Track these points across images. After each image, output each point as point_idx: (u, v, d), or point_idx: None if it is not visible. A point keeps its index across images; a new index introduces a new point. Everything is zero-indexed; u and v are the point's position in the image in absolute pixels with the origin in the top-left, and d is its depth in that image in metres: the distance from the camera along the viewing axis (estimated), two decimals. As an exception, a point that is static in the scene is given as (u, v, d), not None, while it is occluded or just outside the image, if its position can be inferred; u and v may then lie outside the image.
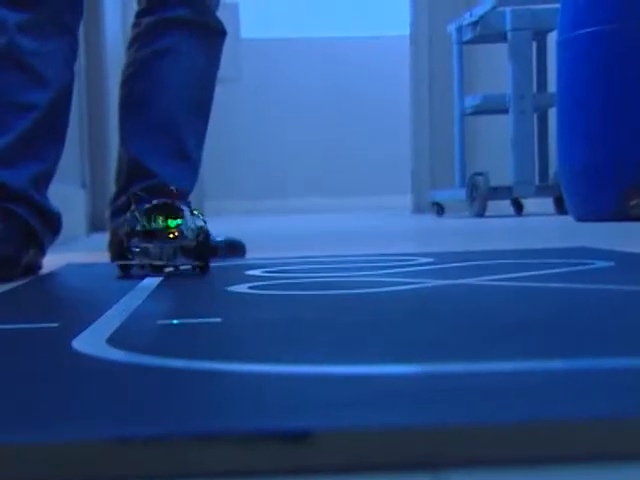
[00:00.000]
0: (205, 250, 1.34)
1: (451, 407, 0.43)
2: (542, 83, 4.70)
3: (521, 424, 0.40)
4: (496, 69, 5.34)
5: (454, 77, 4.93)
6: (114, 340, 0.70)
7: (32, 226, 1.48)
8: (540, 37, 4.64)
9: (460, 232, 2.84)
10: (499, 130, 5.13)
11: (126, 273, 1.35)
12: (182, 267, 1.37)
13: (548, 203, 4.59)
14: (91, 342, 0.69)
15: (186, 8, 1.70)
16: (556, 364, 0.54)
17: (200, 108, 1.77)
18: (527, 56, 4.40)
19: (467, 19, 4.68)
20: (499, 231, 2.85)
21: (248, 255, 1.81)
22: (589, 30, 3.21)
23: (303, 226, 4.02)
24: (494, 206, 4.79)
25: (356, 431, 0.40)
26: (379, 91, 8.43)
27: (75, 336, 0.73)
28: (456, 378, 0.50)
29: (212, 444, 0.39)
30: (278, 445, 0.39)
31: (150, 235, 1.32)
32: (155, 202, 1.35)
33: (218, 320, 0.80)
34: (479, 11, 4.52)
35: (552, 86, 4.61)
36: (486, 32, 4.56)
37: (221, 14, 1.79)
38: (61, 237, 2.40)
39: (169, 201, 1.35)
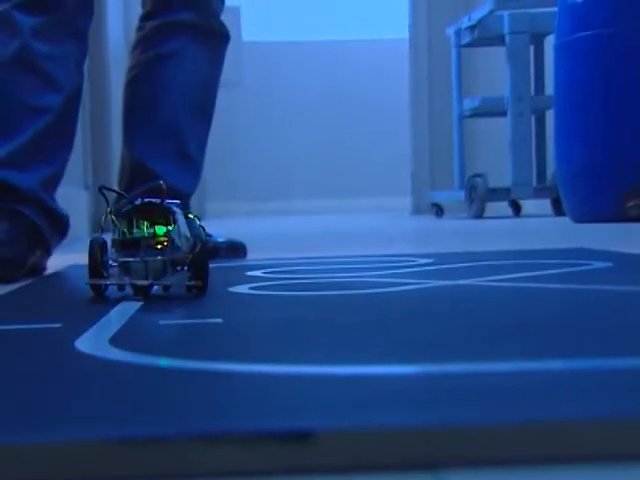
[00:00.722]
0: (203, 265, 1.02)
1: (452, 407, 0.43)
2: (539, 86, 4.70)
3: (521, 424, 0.40)
4: (494, 72, 5.35)
5: (453, 80, 4.94)
6: (116, 340, 0.69)
7: (39, 228, 1.47)
8: (537, 40, 4.64)
9: (459, 233, 2.84)
10: (497, 132, 5.13)
11: (100, 295, 1.03)
12: (174, 287, 1.05)
13: (546, 204, 4.59)
14: (94, 342, 0.69)
15: (190, 12, 1.70)
16: (556, 364, 0.53)
17: (203, 111, 1.77)
18: (525, 59, 4.40)
19: (465, 23, 4.68)
20: (498, 232, 2.85)
21: (249, 256, 1.81)
22: (586, 33, 3.21)
23: (304, 227, 4.02)
24: (492, 207, 4.79)
25: (357, 431, 0.40)
26: (379, 94, 8.43)
27: (78, 336, 0.72)
28: (456, 378, 0.50)
29: (214, 444, 0.39)
30: (279, 445, 0.39)
31: (131, 246, 1.01)
32: (138, 202, 1.03)
33: (219, 321, 0.80)
34: (477, 15, 4.52)
35: (549, 89, 4.61)
36: (484, 35, 4.56)
37: (223, 18, 1.78)
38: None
39: (156, 201, 1.04)
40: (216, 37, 1.75)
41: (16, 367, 0.60)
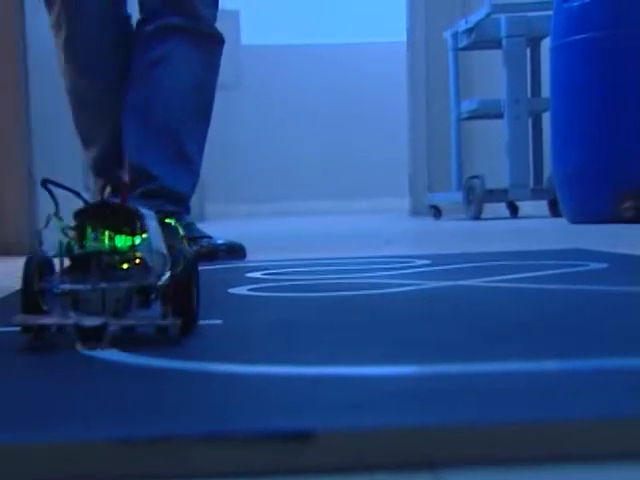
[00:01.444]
0: (185, 295, 0.69)
1: (451, 408, 0.43)
2: (536, 88, 4.70)
3: (520, 424, 0.40)
4: (491, 75, 5.34)
5: (450, 82, 4.94)
6: (116, 341, 0.69)
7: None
8: (534, 43, 4.64)
9: (457, 234, 2.84)
10: (495, 134, 5.13)
11: (38, 339, 0.68)
12: (140, 328, 0.68)
13: (543, 206, 4.59)
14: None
15: (179, 17, 1.74)
16: (554, 364, 0.53)
17: (199, 112, 1.79)
18: (521, 62, 4.40)
19: (463, 26, 4.68)
20: (495, 233, 2.85)
21: (248, 257, 1.80)
22: (582, 36, 3.21)
23: (303, 228, 4.02)
24: (490, 209, 4.79)
25: (357, 431, 0.39)
26: (377, 96, 8.43)
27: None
28: (456, 379, 0.50)
29: (214, 445, 0.39)
30: (280, 446, 0.39)
31: (81, 266, 0.68)
32: (93, 202, 0.71)
33: (219, 322, 0.80)
34: (474, 18, 4.52)
35: (546, 91, 4.61)
36: (481, 39, 4.56)
37: (221, 21, 1.79)
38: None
39: (116, 201, 0.70)
40: (207, 40, 1.78)
41: (15, 368, 0.60)
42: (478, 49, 4.93)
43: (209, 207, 7.92)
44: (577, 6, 3.21)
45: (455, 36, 4.81)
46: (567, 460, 0.39)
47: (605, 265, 1.29)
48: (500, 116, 4.50)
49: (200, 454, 0.39)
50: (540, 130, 4.71)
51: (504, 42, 4.37)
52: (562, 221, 3.49)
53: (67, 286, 0.67)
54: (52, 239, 0.73)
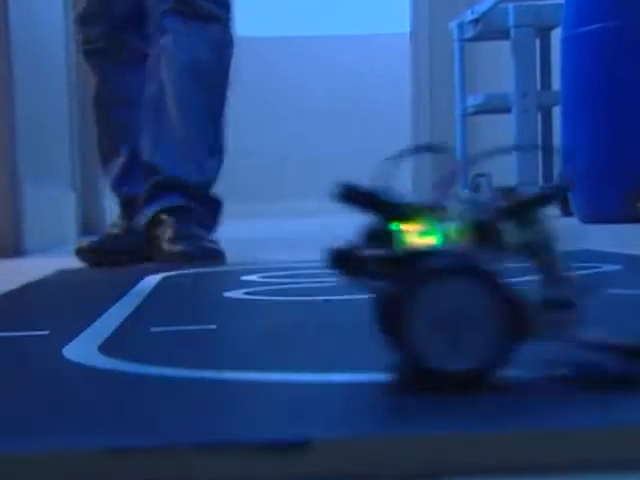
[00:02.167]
0: None
1: (451, 415, 0.43)
2: (546, 81, 4.70)
3: (526, 432, 0.40)
4: (499, 67, 5.35)
5: (455, 76, 4.94)
6: (106, 348, 0.69)
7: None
8: (544, 34, 4.64)
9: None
10: (502, 130, 5.13)
11: None
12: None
13: (553, 205, 4.59)
14: (82, 350, 0.69)
15: (169, 1, 1.83)
16: (559, 371, 0.53)
17: (207, 84, 1.89)
18: (530, 53, 4.40)
19: (469, 16, 4.68)
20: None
21: (245, 259, 1.81)
22: (594, 27, 3.21)
23: (302, 229, 4.02)
24: (497, 208, 4.78)
25: (356, 440, 0.40)
26: (379, 90, 8.43)
27: (66, 344, 0.72)
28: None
29: (209, 454, 0.39)
30: (277, 454, 0.39)
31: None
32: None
33: (213, 327, 0.80)
34: (481, 8, 4.52)
35: (556, 84, 4.61)
36: (488, 29, 4.56)
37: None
38: (51, 242, 2.40)
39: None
40: (200, 18, 1.86)
41: (2, 376, 0.60)
42: (485, 40, 4.93)
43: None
44: (589, -5, 3.22)
45: (461, 26, 4.81)
46: (566, 468, 0.39)
47: (619, 267, 1.29)
48: (508, 110, 4.50)
49: (195, 464, 0.39)
50: (550, 125, 4.71)
51: (512, 32, 4.37)
52: (573, 221, 3.49)
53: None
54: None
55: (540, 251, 0.56)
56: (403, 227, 0.51)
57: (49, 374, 0.59)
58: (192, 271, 1.52)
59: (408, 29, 6.26)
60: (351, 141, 8.49)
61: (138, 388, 0.53)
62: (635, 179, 3.14)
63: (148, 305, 1.01)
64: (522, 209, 0.55)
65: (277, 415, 0.45)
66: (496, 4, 4.40)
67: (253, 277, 1.35)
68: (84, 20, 1.93)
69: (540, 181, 4.59)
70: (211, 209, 1.97)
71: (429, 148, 0.60)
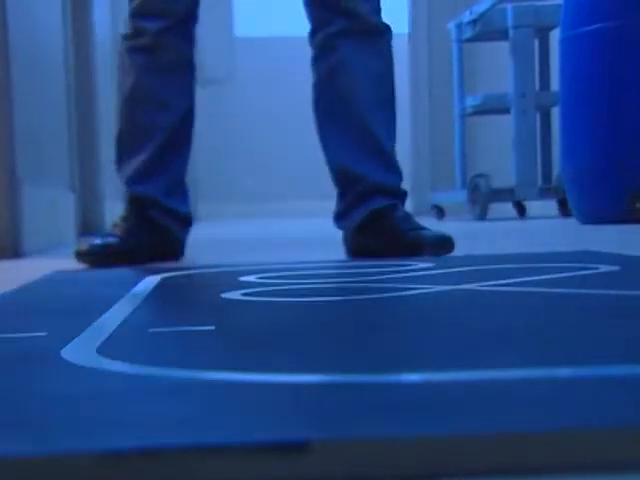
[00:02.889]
0: None
1: (451, 417, 0.43)
2: (545, 81, 4.70)
3: (525, 434, 0.40)
4: (497, 68, 5.35)
5: (454, 76, 4.94)
6: (104, 349, 0.70)
7: (163, 225, 1.96)
8: (542, 34, 4.64)
9: (461, 235, 2.84)
10: (501, 130, 5.13)
11: None
12: None
13: (551, 205, 4.59)
14: (80, 352, 0.69)
15: (342, 20, 1.91)
16: (560, 372, 0.54)
17: (385, 103, 1.95)
18: (529, 54, 4.40)
19: (467, 16, 4.69)
20: (501, 234, 2.85)
21: (242, 260, 1.81)
22: (593, 27, 3.21)
23: (300, 229, 4.02)
24: (496, 209, 4.79)
25: (355, 441, 0.40)
26: (377, 91, 8.42)
27: (64, 345, 0.72)
28: (456, 387, 0.50)
29: (209, 456, 0.39)
30: (276, 456, 0.39)
31: None
32: None
33: (212, 328, 0.80)
34: (479, 8, 4.52)
35: (555, 84, 4.62)
36: (487, 30, 4.56)
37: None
38: (49, 243, 2.40)
39: None
40: (375, 35, 1.94)
41: (0, 378, 0.60)
42: (483, 41, 4.94)
43: (201, 207, 7.92)
44: (587, -5, 3.22)
45: (459, 27, 4.81)
46: (568, 469, 0.39)
47: (617, 268, 1.29)
48: (506, 111, 4.50)
49: (194, 466, 0.39)
50: (548, 126, 4.71)
51: (511, 33, 4.37)
52: (572, 222, 3.49)
53: None
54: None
55: None
56: None
57: (47, 376, 0.59)
58: (191, 272, 1.52)
59: (406, 30, 6.26)
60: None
61: (136, 390, 0.53)
62: (636, 179, 3.14)
63: (146, 306, 1.01)
64: None
65: (276, 416, 0.45)
66: (494, 5, 4.40)
67: (252, 278, 1.35)
68: (142, 13, 1.93)
69: (539, 182, 4.59)
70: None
71: None
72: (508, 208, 4.93)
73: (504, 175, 4.76)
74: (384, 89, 1.95)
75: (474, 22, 4.63)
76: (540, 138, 4.68)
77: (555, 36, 4.42)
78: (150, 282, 1.34)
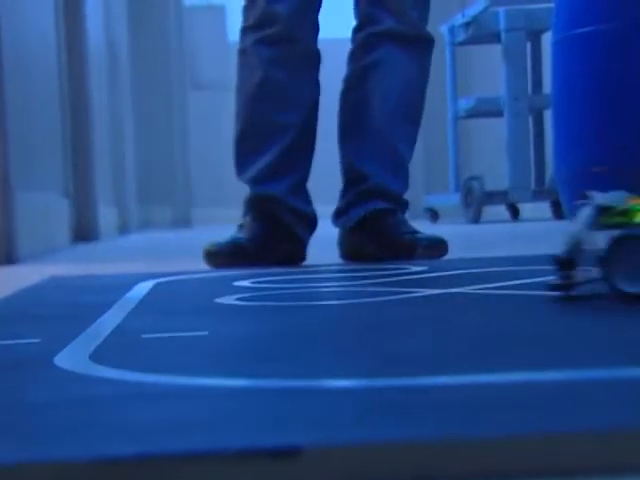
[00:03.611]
0: None
1: (442, 421, 0.43)
2: (537, 84, 4.71)
3: (515, 437, 0.40)
4: (490, 71, 5.36)
5: (447, 79, 4.95)
6: (97, 356, 0.69)
7: (289, 225, 1.86)
8: (534, 37, 4.65)
9: (454, 239, 2.84)
10: (494, 133, 5.14)
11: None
12: None
13: (545, 208, 4.60)
14: (74, 358, 0.69)
15: (392, 20, 1.88)
16: (553, 375, 0.54)
17: (411, 115, 1.93)
18: (521, 57, 4.41)
19: (459, 20, 4.69)
20: (494, 237, 2.86)
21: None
22: (585, 30, 3.22)
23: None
24: (489, 211, 4.80)
25: (347, 446, 0.40)
26: (370, 94, 8.43)
27: (57, 352, 0.72)
28: (447, 391, 0.50)
29: (201, 463, 0.39)
30: (268, 462, 0.39)
31: None
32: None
33: (205, 333, 0.80)
34: (472, 11, 4.53)
35: (547, 87, 4.62)
36: (479, 33, 4.57)
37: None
38: (43, 248, 2.39)
39: None
40: (418, 42, 1.92)
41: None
42: (476, 44, 4.95)
43: (195, 211, 7.91)
44: (580, -3, 3.22)
45: (452, 30, 4.82)
46: (564, 473, 0.39)
47: (609, 270, 1.29)
48: (499, 114, 4.51)
49: (188, 473, 0.39)
50: (541, 128, 4.72)
51: (503, 36, 4.38)
52: (565, 224, 3.50)
53: None
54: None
55: None
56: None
57: (40, 383, 0.59)
58: (184, 277, 1.52)
59: (399, 33, 6.26)
60: (343, 145, 8.49)
61: (128, 396, 0.53)
62: (629, 182, 3.14)
63: (140, 311, 1.01)
64: None
65: (267, 423, 0.45)
66: (487, 8, 4.41)
67: (245, 282, 1.35)
68: None
69: (532, 184, 4.60)
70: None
71: None
72: (501, 211, 4.93)
73: (497, 178, 4.76)
74: (414, 96, 1.92)
75: (467, 25, 4.63)
76: (533, 141, 4.69)
77: (547, 39, 4.42)
78: (143, 288, 1.34)
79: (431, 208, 5.16)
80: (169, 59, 7.10)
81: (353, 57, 1.95)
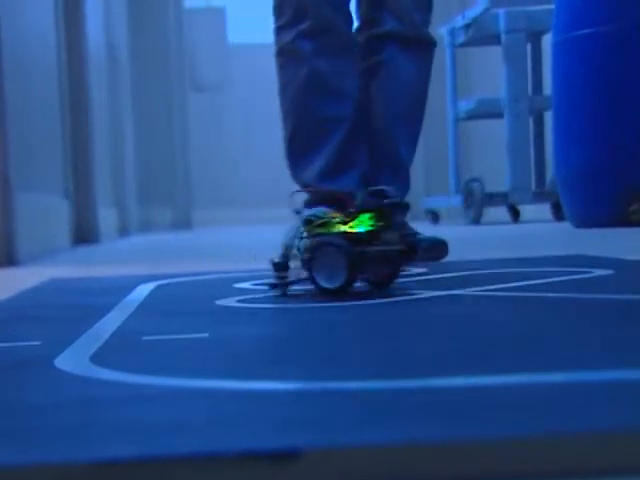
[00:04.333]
0: None
1: (442, 423, 0.43)
2: (537, 86, 4.71)
3: (520, 439, 0.40)
4: (490, 72, 5.36)
5: (447, 81, 4.94)
6: (98, 358, 0.69)
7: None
8: (535, 39, 4.65)
9: (455, 240, 2.84)
10: (494, 135, 5.14)
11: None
12: None
13: (545, 209, 4.60)
14: (74, 360, 0.69)
15: (395, 22, 1.88)
16: (553, 377, 0.54)
17: (412, 117, 1.93)
18: (522, 58, 4.41)
19: (460, 21, 4.69)
20: (495, 239, 2.86)
21: (238, 267, 1.80)
22: (585, 31, 3.22)
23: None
24: (490, 213, 4.79)
25: (346, 449, 0.40)
26: (371, 96, 8.42)
27: (58, 354, 0.72)
28: (446, 393, 0.50)
29: (200, 464, 0.39)
30: (267, 464, 0.39)
31: None
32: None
33: (205, 335, 0.80)
34: (472, 13, 4.53)
35: (548, 88, 4.62)
36: (479, 34, 4.57)
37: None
38: (43, 250, 2.39)
39: None
40: (422, 45, 1.93)
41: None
42: (476, 45, 4.94)
43: (196, 213, 7.91)
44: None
45: (452, 32, 4.82)
46: (565, 475, 0.39)
47: (611, 272, 1.29)
48: (500, 115, 4.51)
49: (186, 475, 0.39)
50: (542, 130, 4.72)
51: (503, 38, 4.38)
52: (566, 225, 3.50)
53: None
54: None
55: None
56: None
57: (40, 385, 0.59)
58: (185, 279, 1.52)
59: (399, 35, 6.26)
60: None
61: (129, 398, 0.53)
62: (629, 183, 3.14)
63: (141, 314, 1.01)
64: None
65: (267, 425, 0.45)
66: (487, 10, 4.41)
67: (246, 284, 1.35)
68: None
69: (533, 186, 4.60)
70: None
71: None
72: (502, 212, 4.93)
73: (498, 179, 4.76)
74: (416, 98, 1.92)
75: (467, 27, 4.63)
76: (533, 142, 4.69)
77: (547, 40, 4.42)
78: (144, 290, 1.34)
79: (432, 210, 5.15)
80: (169, 60, 7.10)
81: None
